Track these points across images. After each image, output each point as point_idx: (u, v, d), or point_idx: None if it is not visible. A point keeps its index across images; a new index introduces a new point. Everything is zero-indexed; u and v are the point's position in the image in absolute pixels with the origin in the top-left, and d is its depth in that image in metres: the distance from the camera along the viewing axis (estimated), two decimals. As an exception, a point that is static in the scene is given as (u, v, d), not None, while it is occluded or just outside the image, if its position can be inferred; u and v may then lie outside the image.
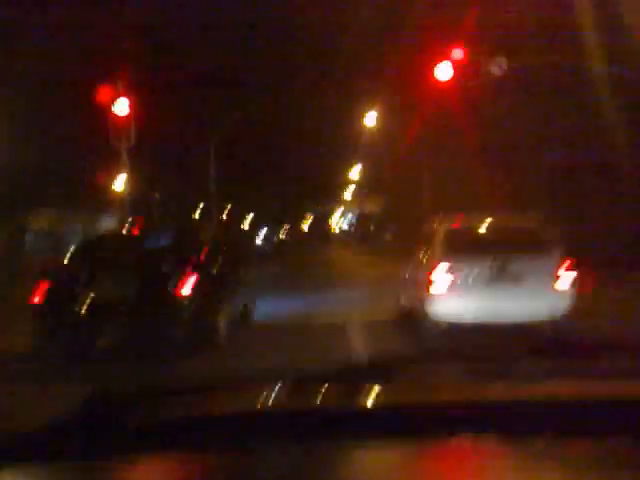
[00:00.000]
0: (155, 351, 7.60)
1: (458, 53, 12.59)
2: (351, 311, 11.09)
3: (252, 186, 34.33)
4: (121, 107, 12.54)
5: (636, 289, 11.65)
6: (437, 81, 12.92)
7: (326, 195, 59.35)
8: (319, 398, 1.28)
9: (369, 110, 20.33)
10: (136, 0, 16.20)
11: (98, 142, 15.18)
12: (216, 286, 8.07)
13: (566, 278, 7.26)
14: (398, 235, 39.65)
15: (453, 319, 7.34)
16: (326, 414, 1.18)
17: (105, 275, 7.41)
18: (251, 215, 45.30)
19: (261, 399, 1.31)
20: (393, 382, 1.28)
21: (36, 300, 7.19)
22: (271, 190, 38.50)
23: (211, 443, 1.08)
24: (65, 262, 8.01)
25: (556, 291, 7.26)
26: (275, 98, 21.09)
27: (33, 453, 1.05)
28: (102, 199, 25.20)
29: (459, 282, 7.31)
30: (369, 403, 1.24)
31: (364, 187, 54.70)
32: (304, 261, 34.30)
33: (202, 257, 8.07)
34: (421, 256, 8.21)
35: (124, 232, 10.71)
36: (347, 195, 65.96)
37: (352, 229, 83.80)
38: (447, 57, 12.71)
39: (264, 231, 43.02)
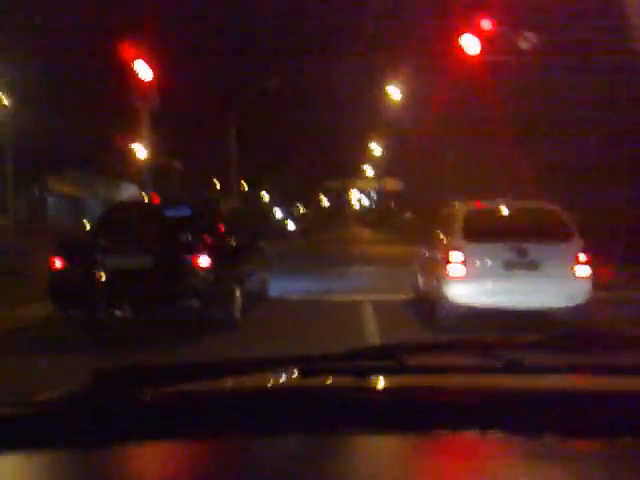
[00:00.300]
0: (171, 322, 7.69)
1: (487, 24, 12.29)
2: (368, 290, 11.09)
3: (272, 161, 34.27)
4: (145, 69, 12.52)
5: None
6: (464, 54, 12.64)
7: (347, 171, 59.07)
8: (328, 383, 1.27)
9: (393, 84, 20.02)
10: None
11: (122, 106, 15.20)
12: (234, 259, 8.08)
13: (585, 266, 7.16)
14: (419, 213, 39.43)
15: (470, 303, 7.28)
16: (333, 400, 1.16)
17: (124, 243, 7.45)
18: (267, 195, 45.30)
19: (268, 383, 1.31)
20: (404, 368, 1.26)
21: (56, 267, 7.26)
22: (290, 166, 38.41)
23: (214, 426, 1.07)
24: (86, 229, 8.07)
25: (575, 279, 7.16)
26: (299, 70, 20.88)
27: (32, 436, 1.04)
28: (123, 165, 25.34)
29: (477, 266, 7.24)
30: (378, 389, 1.23)
31: (386, 163, 54.25)
32: (323, 238, 34.32)
33: (221, 229, 8.07)
34: (440, 238, 8.14)
35: (145, 200, 10.75)
36: (369, 171, 65.54)
37: (372, 205, 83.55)
38: (476, 29, 12.42)
39: (278, 211, 43.03)
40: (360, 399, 1.15)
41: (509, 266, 7.19)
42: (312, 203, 67.64)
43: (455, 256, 7.24)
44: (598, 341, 1.35)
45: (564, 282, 7.17)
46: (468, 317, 7.32)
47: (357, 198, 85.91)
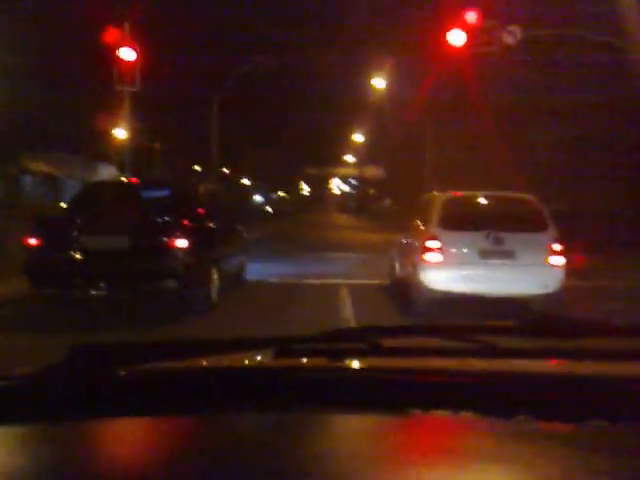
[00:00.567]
0: (147, 303, 7.67)
1: (472, 16, 12.31)
2: (345, 274, 11.16)
3: (251, 145, 34.03)
4: (127, 51, 12.33)
5: (628, 269, 11.72)
6: (449, 46, 12.66)
7: (328, 158, 58.93)
8: (302, 363, 1.28)
9: (378, 74, 20.00)
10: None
11: (101, 85, 14.96)
12: (212, 241, 8.07)
13: (559, 255, 7.30)
14: (398, 201, 39.57)
15: (446, 289, 7.39)
16: (308, 380, 1.17)
17: (102, 222, 7.39)
18: (247, 181, 45.00)
19: (242, 363, 1.31)
20: (378, 350, 1.26)
21: (32, 244, 7.19)
22: (270, 151, 38.19)
23: (187, 405, 1.08)
24: (63, 207, 7.98)
25: (549, 267, 7.30)
26: (282, 57, 20.72)
27: (12, 410, 1.04)
28: (102, 145, 24.98)
29: (453, 253, 7.34)
30: (351, 370, 1.24)
31: (367, 150, 54.20)
32: (302, 224, 34.30)
33: (200, 211, 8.05)
34: (417, 224, 8.23)
35: (123, 180, 10.65)
36: (350, 158, 65.48)
37: (353, 192, 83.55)
38: (461, 22, 12.43)
39: (258, 196, 42.85)
40: (334, 380, 1.16)
41: (485, 254, 7.30)
42: (293, 190, 67.44)
43: (432, 243, 7.33)
44: (569, 327, 1.36)
45: (538, 270, 7.30)
46: (443, 303, 7.43)
47: (337, 185, 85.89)
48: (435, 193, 8.44)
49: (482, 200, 8.08)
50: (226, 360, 1.32)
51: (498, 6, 13.56)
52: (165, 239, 7.06)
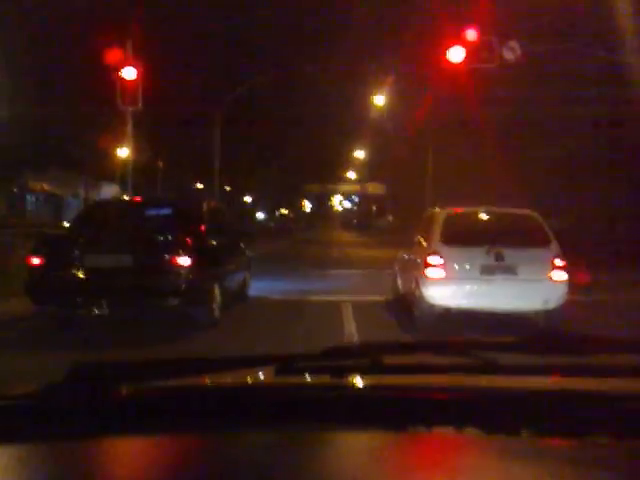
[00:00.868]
0: (150, 321, 7.67)
1: (472, 34, 12.41)
2: (348, 290, 11.15)
3: (254, 163, 34.17)
4: (129, 71, 12.45)
5: (630, 285, 11.69)
6: (449, 63, 12.76)
7: (330, 175, 59.10)
8: (303, 381, 1.28)
9: (378, 91, 20.15)
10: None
11: (103, 105, 15.09)
12: (214, 259, 8.09)
13: (561, 270, 7.30)
14: (400, 217, 39.60)
15: (447, 304, 7.38)
16: (309, 397, 1.17)
17: (104, 241, 7.41)
18: (249, 198, 45.14)
19: (244, 381, 1.31)
20: (379, 367, 1.26)
21: (34, 264, 7.20)
22: (273, 169, 38.31)
23: (188, 423, 1.08)
24: (66, 226, 8.00)
25: (550, 283, 7.29)
26: (283, 75, 20.90)
27: (12, 429, 1.04)
28: (104, 164, 25.12)
29: (455, 268, 7.35)
30: (353, 388, 1.24)
31: (369, 168, 54.39)
32: (304, 240, 34.30)
33: (202, 229, 8.07)
34: (419, 240, 8.25)
35: (125, 199, 10.72)
36: (351, 175, 65.70)
37: (355, 208, 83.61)
38: (460, 39, 12.53)
39: (260, 213, 43.02)
40: (336, 397, 1.16)
41: (486, 270, 7.30)
42: (295, 207, 67.55)
43: (434, 259, 7.33)
44: (570, 343, 1.36)
45: (540, 286, 7.29)
46: (445, 319, 7.42)
47: (339, 202, 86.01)
48: (437, 209, 8.47)
49: (483, 216, 8.11)
50: (227, 378, 1.33)
51: (497, 22, 13.70)
52: (168, 257, 7.08)
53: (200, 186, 34.72)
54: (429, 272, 7.31)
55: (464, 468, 0.89)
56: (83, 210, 9.33)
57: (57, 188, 28.49)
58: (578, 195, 19.04)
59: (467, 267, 7.37)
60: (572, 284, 7.52)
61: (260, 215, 46.36)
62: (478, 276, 7.30)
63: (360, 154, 47.61)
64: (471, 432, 1.04)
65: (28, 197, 27.61)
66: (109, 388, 1.19)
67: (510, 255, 7.28)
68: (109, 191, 28.58)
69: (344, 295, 10.24)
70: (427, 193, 22.07)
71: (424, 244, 7.92)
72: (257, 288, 10.48)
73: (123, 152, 18.83)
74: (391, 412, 1.09)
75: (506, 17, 14.19)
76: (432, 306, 7.39)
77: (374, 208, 69.68)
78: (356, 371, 1.27)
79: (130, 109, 12.96)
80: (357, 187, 66.42)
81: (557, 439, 1.00)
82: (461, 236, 7.59)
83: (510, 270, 7.28)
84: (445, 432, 1.05)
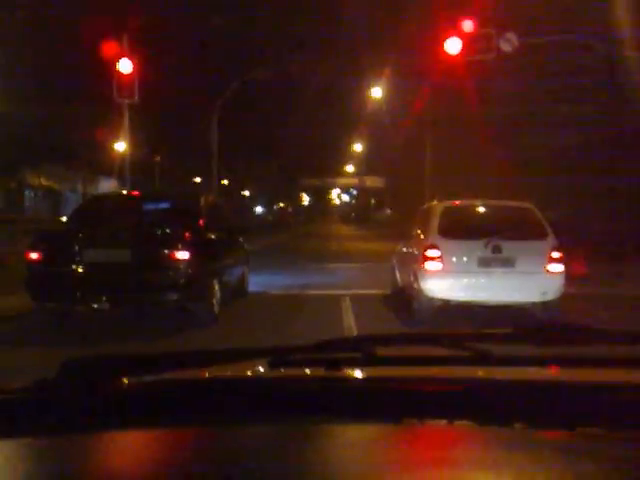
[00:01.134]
0: (149, 316, 7.68)
1: (468, 25, 12.38)
2: (347, 284, 11.18)
3: (252, 157, 34.13)
4: (126, 64, 12.41)
5: (628, 278, 11.72)
6: (446, 54, 12.73)
7: (328, 168, 59.02)
8: (297, 373, 1.28)
9: (376, 83, 20.12)
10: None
11: (100, 99, 15.05)
12: (213, 253, 8.09)
13: (558, 263, 7.32)
14: (398, 210, 39.58)
15: (445, 297, 7.41)
16: (303, 389, 1.17)
17: (103, 236, 7.40)
18: (247, 192, 45.09)
19: (238, 374, 1.32)
20: (374, 359, 1.26)
21: (33, 259, 7.21)
22: (271, 162, 38.27)
23: (184, 416, 1.09)
24: (64, 221, 7.99)
25: (548, 275, 7.32)
26: (281, 68, 20.84)
27: (7, 424, 1.05)
28: (102, 158, 25.05)
29: (453, 262, 7.37)
30: (348, 380, 1.24)
31: (367, 161, 54.30)
32: (303, 234, 34.30)
33: (201, 223, 8.08)
34: (418, 234, 8.27)
35: (123, 193, 10.69)
36: (350, 168, 65.62)
37: (353, 202, 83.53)
38: (457, 30, 12.50)
39: (259, 207, 43.00)
40: (330, 389, 1.16)
41: (484, 262, 7.32)
42: (293, 201, 67.45)
43: (432, 252, 7.36)
44: (566, 334, 1.36)
45: (537, 278, 7.32)
46: (443, 311, 7.45)
47: (338, 195, 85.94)
48: (435, 202, 8.48)
49: (481, 209, 8.12)
50: (222, 371, 1.33)
51: (494, 14, 13.66)
52: (166, 251, 7.08)
53: (198, 180, 34.65)
54: (427, 265, 7.33)
55: (458, 459, 0.90)
56: (81, 204, 9.30)
57: (55, 183, 28.45)
58: (577, 188, 19.04)
59: (465, 260, 7.40)
60: (569, 275, 7.55)
61: (259, 209, 46.32)
62: (476, 268, 7.32)
63: (358, 147, 47.54)
64: (465, 424, 1.04)
65: (26, 192, 27.55)
66: (106, 381, 1.19)
67: (508, 248, 7.30)
68: (107, 186, 28.55)
69: (343, 289, 10.27)
70: (425, 186, 22.06)
71: (422, 237, 7.94)
72: (256, 282, 10.49)
73: (120, 146, 18.77)
74: (386, 404, 1.09)
75: (503, 9, 14.16)
76: (430, 299, 7.42)
77: (372, 201, 69.64)
78: (351, 363, 1.28)
79: (126, 102, 12.94)
80: (355, 180, 66.31)
81: (551, 430, 1.00)
82: (459, 229, 7.61)
83: (508, 262, 7.30)
84: (439, 423, 1.05)
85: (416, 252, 7.89)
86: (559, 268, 7.32)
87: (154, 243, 7.21)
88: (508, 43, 12.76)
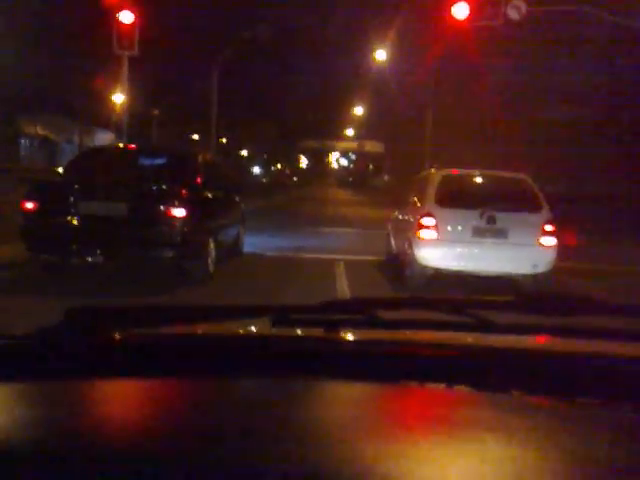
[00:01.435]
0: (142, 273, 7.71)
1: None
2: (342, 249, 11.22)
3: (251, 115, 33.70)
4: (126, 14, 12.16)
5: (620, 249, 11.81)
6: (453, 19, 12.52)
7: (328, 131, 58.46)
8: (299, 333, 1.29)
9: (380, 46, 19.78)
10: None
11: (100, 49, 14.78)
12: (210, 212, 8.08)
13: (551, 236, 7.36)
14: (396, 177, 39.43)
15: (438, 266, 7.46)
16: (303, 349, 1.19)
17: (98, 188, 7.36)
18: (245, 152, 44.67)
19: (238, 330, 1.32)
20: (375, 322, 1.26)
21: (28, 208, 7.18)
22: (270, 122, 37.83)
23: (185, 369, 1.10)
24: (60, 171, 7.94)
25: (540, 247, 7.37)
26: (283, 26, 20.45)
27: (6, 368, 1.06)
28: (100, 110, 24.73)
29: (447, 230, 7.40)
30: (347, 341, 1.25)
31: (367, 126, 53.76)
32: (299, 197, 34.20)
33: (198, 181, 8.04)
34: (414, 202, 8.27)
35: (120, 146, 10.59)
36: (350, 132, 65.03)
37: (351, 166, 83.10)
38: None
39: (256, 169, 42.70)
40: (329, 350, 1.17)
41: (478, 232, 7.36)
42: (291, 162, 67.00)
43: (427, 220, 7.38)
44: (567, 304, 1.35)
45: (530, 250, 7.37)
46: (435, 279, 7.51)
47: (336, 159, 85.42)
48: (433, 170, 8.45)
49: (478, 178, 8.10)
50: (223, 327, 1.34)
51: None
52: (163, 207, 7.04)
53: (196, 137, 34.33)
54: (422, 233, 7.36)
55: (457, 420, 0.91)
56: (77, 156, 9.22)
57: (51, 133, 28.12)
58: (579, 161, 18.96)
59: (459, 229, 7.43)
60: (563, 250, 7.61)
61: (256, 169, 46.01)
62: (469, 238, 7.36)
63: (359, 111, 46.97)
64: (462, 388, 1.05)
65: (22, 141, 27.24)
66: (105, 331, 1.20)
67: (502, 218, 7.33)
68: (104, 138, 28.25)
69: (338, 254, 10.31)
70: (426, 154, 21.93)
71: (418, 205, 7.94)
72: (251, 244, 10.51)
73: (118, 98, 18.52)
74: (384, 366, 1.10)
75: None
76: (424, 267, 7.47)
77: (371, 167, 69.27)
78: (351, 325, 1.29)
79: (126, 53, 12.72)
80: (355, 145, 65.76)
81: (547, 398, 1.02)
82: (455, 198, 7.61)
83: (501, 233, 7.34)
84: (437, 387, 1.07)
85: (412, 219, 7.91)
86: (551, 241, 7.37)
87: (151, 198, 7.17)
88: (516, 10, 12.55)
